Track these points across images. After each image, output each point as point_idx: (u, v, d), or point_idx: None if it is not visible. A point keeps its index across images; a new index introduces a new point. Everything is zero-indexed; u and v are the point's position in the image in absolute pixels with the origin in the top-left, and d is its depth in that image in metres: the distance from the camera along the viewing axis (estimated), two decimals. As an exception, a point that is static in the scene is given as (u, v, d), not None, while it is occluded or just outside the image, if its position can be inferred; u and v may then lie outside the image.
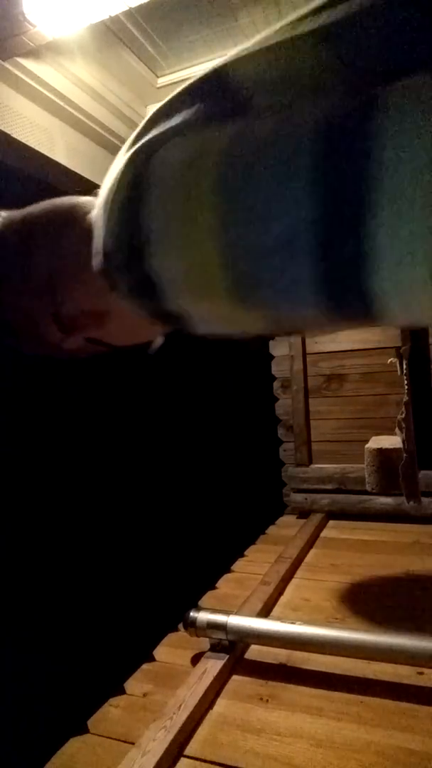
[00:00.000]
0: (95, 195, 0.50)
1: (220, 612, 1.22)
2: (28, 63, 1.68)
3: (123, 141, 0.42)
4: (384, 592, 1.55)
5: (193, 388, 2.06)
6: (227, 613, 1.22)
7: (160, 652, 1.31)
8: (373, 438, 1.85)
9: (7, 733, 1.10)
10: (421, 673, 1.10)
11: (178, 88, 0.39)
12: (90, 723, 1.05)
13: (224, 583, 1.72)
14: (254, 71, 0.36)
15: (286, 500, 2.47)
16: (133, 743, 0.95)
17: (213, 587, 1.68)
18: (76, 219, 0.51)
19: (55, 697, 1.16)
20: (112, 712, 1.08)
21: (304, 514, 2.35)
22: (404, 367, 1.54)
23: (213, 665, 1.15)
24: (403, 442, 1.51)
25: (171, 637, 1.36)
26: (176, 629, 1.37)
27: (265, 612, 1.42)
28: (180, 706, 1.02)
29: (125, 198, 0.38)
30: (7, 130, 1.66)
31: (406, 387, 1.54)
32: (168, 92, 0.40)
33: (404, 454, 1.51)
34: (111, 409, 1.66)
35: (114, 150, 2.11)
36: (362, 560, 1.80)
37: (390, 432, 1.79)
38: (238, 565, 1.87)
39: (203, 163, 0.34)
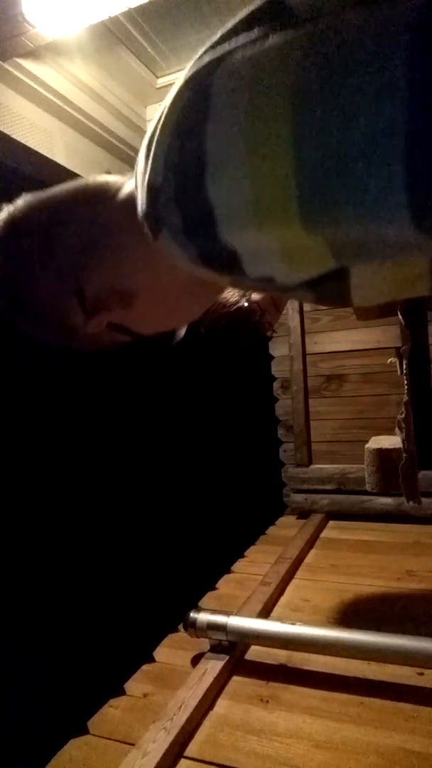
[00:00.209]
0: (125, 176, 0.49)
1: (220, 613, 1.22)
2: (27, 64, 1.68)
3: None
4: (384, 592, 1.55)
5: (193, 388, 2.06)
6: (227, 613, 1.22)
7: (160, 652, 1.31)
8: (373, 438, 1.84)
9: (6, 733, 1.10)
10: (421, 674, 1.10)
11: (227, 24, 0.35)
12: (90, 724, 1.04)
13: (224, 584, 1.72)
14: None
15: (286, 501, 2.47)
16: (133, 744, 0.95)
17: (213, 588, 1.68)
18: (108, 192, 0.50)
19: (55, 698, 1.15)
20: (112, 713, 1.08)
21: (304, 514, 2.35)
22: (404, 367, 1.54)
23: (213, 666, 1.15)
24: (403, 442, 1.51)
25: (171, 638, 1.36)
26: (176, 630, 1.36)
27: (265, 613, 1.42)
28: (180, 706, 1.01)
29: (182, 119, 0.34)
30: (7, 131, 1.66)
31: (406, 387, 1.54)
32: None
33: (404, 455, 1.50)
34: (110, 409, 1.66)
35: (114, 150, 2.11)
36: (362, 560, 1.80)
37: (390, 432, 1.78)
38: (238, 565, 1.87)
39: (280, 65, 0.30)
